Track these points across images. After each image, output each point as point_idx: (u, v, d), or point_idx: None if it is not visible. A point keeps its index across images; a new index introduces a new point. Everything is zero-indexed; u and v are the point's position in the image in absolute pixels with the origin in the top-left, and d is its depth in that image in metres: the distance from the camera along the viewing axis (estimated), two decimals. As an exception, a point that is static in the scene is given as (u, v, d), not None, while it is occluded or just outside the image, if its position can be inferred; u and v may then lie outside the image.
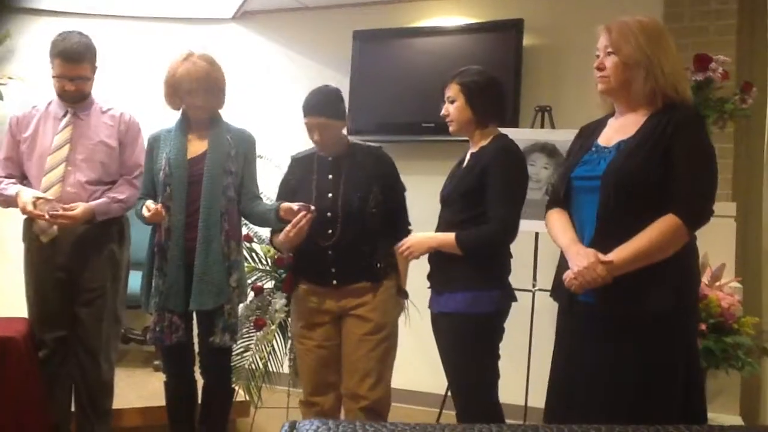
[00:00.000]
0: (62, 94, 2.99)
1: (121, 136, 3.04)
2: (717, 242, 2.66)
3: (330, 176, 2.72)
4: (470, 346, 2.52)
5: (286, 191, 2.80)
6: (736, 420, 3.06)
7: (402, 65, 4.30)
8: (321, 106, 2.67)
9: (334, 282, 2.67)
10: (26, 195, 2.84)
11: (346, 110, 2.77)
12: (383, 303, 2.68)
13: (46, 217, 2.79)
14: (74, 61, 2.91)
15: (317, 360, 2.74)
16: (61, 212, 2.80)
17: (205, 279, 2.73)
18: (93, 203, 2.92)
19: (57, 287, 2.96)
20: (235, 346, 3.32)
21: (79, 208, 2.85)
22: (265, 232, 3.56)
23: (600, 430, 0.90)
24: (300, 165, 2.82)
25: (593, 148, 2.14)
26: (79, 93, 2.98)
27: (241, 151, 2.84)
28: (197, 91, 2.78)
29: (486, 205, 2.46)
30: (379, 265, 2.68)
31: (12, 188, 2.92)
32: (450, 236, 2.48)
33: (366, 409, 2.65)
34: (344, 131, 2.81)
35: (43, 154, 2.96)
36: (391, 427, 0.90)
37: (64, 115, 3.00)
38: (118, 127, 3.04)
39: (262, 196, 2.99)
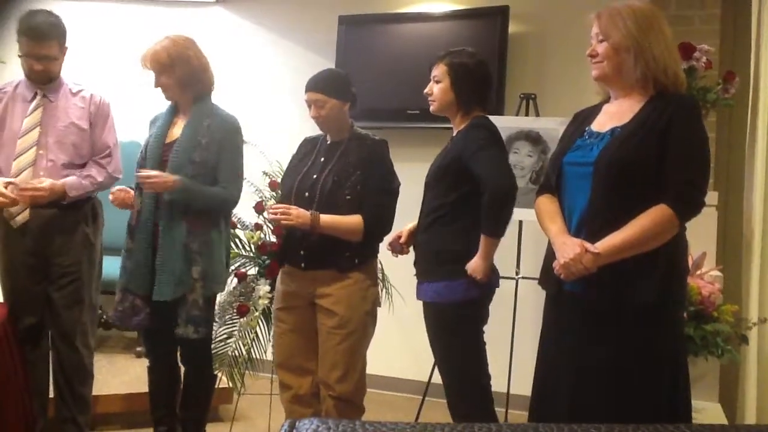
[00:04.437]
0: (30, 74, 2.92)
1: (92, 117, 2.99)
2: (698, 231, 2.67)
3: (322, 159, 2.72)
4: (449, 335, 2.55)
5: (287, 169, 2.86)
6: (716, 406, 3.10)
7: (387, 51, 4.28)
8: (317, 82, 2.68)
9: (302, 265, 2.67)
10: None
11: (351, 95, 2.73)
12: (349, 297, 2.63)
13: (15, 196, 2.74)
14: (40, 40, 2.83)
15: (290, 343, 2.76)
16: (29, 185, 2.76)
17: (164, 269, 2.71)
18: (64, 179, 2.86)
19: (29, 273, 2.92)
20: (217, 332, 3.32)
21: (47, 181, 2.80)
22: (249, 219, 3.56)
23: (600, 430, 0.90)
24: (306, 145, 2.85)
25: (586, 134, 2.13)
26: (47, 73, 2.91)
27: (215, 139, 2.78)
28: (156, 74, 2.77)
29: (476, 181, 2.45)
30: (347, 254, 2.64)
31: None
32: (484, 245, 2.44)
33: (336, 399, 2.66)
34: (349, 119, 2.78)
35: (12, 138, 2.89)
36: (392, 427, 0.91)
37: (33, 97, 2.93)
38: (88, 109, 2.98)
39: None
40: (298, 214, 2.54)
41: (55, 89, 2.96)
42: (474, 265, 2.46)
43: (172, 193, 2.69)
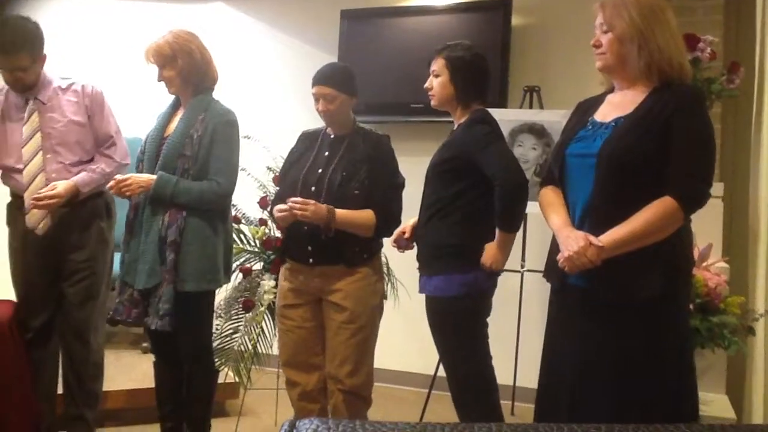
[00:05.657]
0: (7, 84, 2.90)
1: (88, 110, 2.96)
2: (704, 222, 2.66)
3: (326, 153, 2.71)
4: (448, 328, 2.57)
5: (287, 162, 2.83)
6: (723, 398, 3.10)
7: (390, 45, 4.27)
8: (327, 77, 2.67)
9: (311, 260, 2.65)
10: None
11: (356, 88, 2.72)
12: (358, 291, 2.64)
13: (28, 207, 2.74)
14: (8, 53, 2.77)
15: (296, 340, 2.75)
16: (43, 194, 2.76)
17: (142, 258, 2.72)
18: (74, 177, 2.87)
19: (43, 271, 2.92)
20: (223, 327, 3.32)
21: (60, 185, 2.80)
22: (254, 214, 3.56)
23: (600, 430, 0.90)
24: (306, 139, 2.83)
25: (589, 125, 2.11)
26: (21, 83, 2.86)
27: (208, 132, 2.74)
28: (159, 67, 2.78)
29: (475, 176, 2.48)
30: (356, 249, 2.64)
31: None
32: (502, 238, 2.50)
33: (345, 392, 2.66)
34: (352, 114, 2.77)
35: (15, 147, 2.88)
36: (392, 426, 0.91)
37: (26, 103, 2.90)
38: (83, 102, 2.96)
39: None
40: (316, 209, 2.53)
41: (43, 90, 2.92)
42: (491, 257, 2.49)
43: (154, 191, 2.69)
